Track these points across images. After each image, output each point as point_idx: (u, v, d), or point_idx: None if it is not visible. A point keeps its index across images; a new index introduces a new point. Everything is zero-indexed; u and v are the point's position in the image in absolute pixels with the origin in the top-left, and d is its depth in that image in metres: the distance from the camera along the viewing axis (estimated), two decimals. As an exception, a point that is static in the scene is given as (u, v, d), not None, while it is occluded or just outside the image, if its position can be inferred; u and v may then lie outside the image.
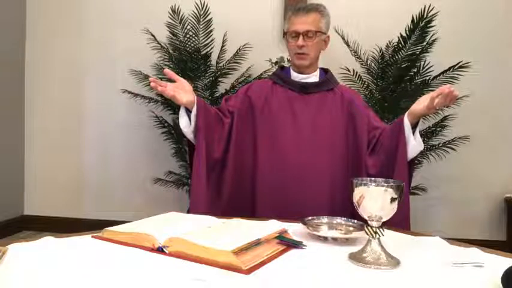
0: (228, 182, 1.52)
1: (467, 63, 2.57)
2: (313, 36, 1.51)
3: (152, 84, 1.35)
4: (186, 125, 1.46)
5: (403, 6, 2.85)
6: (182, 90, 1.41)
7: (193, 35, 2.82)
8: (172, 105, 2.80)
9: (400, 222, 1.24)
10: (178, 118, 1.49)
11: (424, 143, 1.44)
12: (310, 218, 1.15)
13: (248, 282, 0.74)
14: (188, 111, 1.45)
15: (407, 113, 1.39)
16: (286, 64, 2.46)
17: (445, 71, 2.61)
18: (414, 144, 1.39)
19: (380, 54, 2.70)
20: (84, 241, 0.96)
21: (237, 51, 2.90)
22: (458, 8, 2.93)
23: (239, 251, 0.81)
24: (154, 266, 0.81)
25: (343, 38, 2.75)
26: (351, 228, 1.10)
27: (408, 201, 1.40)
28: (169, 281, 0.73)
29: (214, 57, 2.88)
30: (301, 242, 0.97)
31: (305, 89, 1.57)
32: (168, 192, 3.10)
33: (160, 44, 2.90)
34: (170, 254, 0.86)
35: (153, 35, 2.91)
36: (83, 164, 3.30)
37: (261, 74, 2.86)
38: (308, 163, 1.48)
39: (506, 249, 1.04)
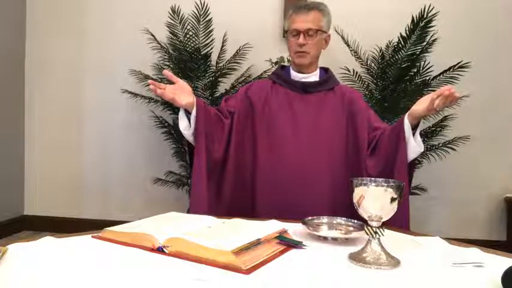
0: (228, 182, 1.51)
1: (467, 63, 2.56)
2: (313, 34, 1.51)
3: (151, 87, 1.34)
4: (185, 127, 1.45)
5: (403, 6, 2.85)
6: (181, 92, 1.40)
7: (193, 35, 2.82)
8: (172, 105, 2.80)
9: (400, 222, 1.24)
10: (178, 119, 1.49)
11: (424, 143, 1.44)
12: (310, 218, 1.15)
13: (248, 282, 0.74)
14: (188, 113, 1.44)
15: (407, 113, 1.39)
16: (286, 64, 2.46)
17: (445, 71, 2.61)
18: (414, 146, 1.38)
19: (380, 54, 2.70)
20: (84, 241, 0.96)
21: (237, 51, 2.90)
22: (458, 8, 2.93)
23: (239, 251, 0.81)
24: (154, 266, 0.81)
25: (343, 38, 2.74)
26: (351, 228, 1.10)
27: (408, 202, 1.40)
28: (169, 281, 0.73)
29: (214, 57, 2.88)
30: (301, 242, 0.97)
31: (305, 88, 1.57)
32: (168, 192, 3.10)
33: (160, 44, 2.90)
34: (170, 254, 0.86)
35: (153, 35, 2.91)
36: (83, 164, 3.30)
37: (261, 74, 2.86)
38: (308, 163, 1.48)
39: (506, 249, 1.04)
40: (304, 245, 0.96)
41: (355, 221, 1.12)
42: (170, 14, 2.82)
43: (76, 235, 1.01)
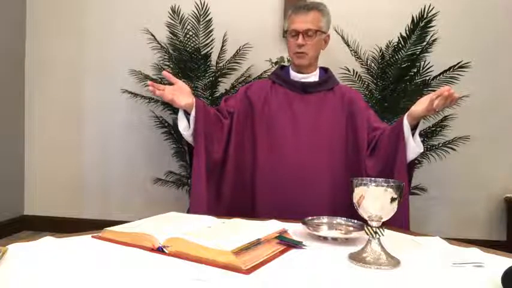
0: (228, 182, 1.51)
1: (467, 63, 2.56)
2: (313, 35, 1.51)
3: (150, 88, 1.34)
4: (185, 127, 1.45)
5: (403, 6, 2.85)
6: (180, 93, 1.40)
7: (193, 35, 2.82)
8: (172, 105, 2.78)
9: (400, 222, 1.24)
10: (178, 119, 1.48)
11: (424, 143, 1.44)
12: (310, 218, 1.15)
13: (248, 282, 0.74)
14: (187, 114, 1.44)
15: (406, 114, 1.38)
16: (286, 64, 2.46)
17: (445, 71, 2.60)
18: (413, 146, 1.38)
19: (380, 54, 2.70)
20: (84, 241, 0.96)
21: (237, 51, 2.90)
22: (458, 8, 2.93)
23: (239, 251, 0.81)
24: (154, 266, 0.81)
25: (343, 38, 2.74)
26: (351, 228, 1.10)
27: (408, 203, 1.40)
28: (169, 281, 0.73)
29: (214, 57, 2.88)
30: (301, 242, 0.97)
31: (305, 88, 1.57)
32: (168, 192, 3.10)
33: (160, 44, 2.90)
34: (170, 254, 0.86)
35: (153, 35, 2.91)
36: (83, 164, 3.30)
37: (261, 74, 2.86)
38: (307, 163, 1.48)
39: (506, 249, 1.04)
40: (304, 245, 0.96)
41: (355, 221, 1.12)
42: (170, 14, 2.82)
43: (76, 235, 1.01)
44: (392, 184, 0.87)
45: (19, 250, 0.85)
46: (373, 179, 0.96)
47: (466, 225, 2.99)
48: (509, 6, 2.93)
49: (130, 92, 3.04)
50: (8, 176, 3.15)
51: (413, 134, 1.38)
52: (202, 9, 2.79)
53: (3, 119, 3.08)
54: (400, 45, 2.60)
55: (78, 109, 3.29)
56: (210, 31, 2.86)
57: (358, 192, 0.89)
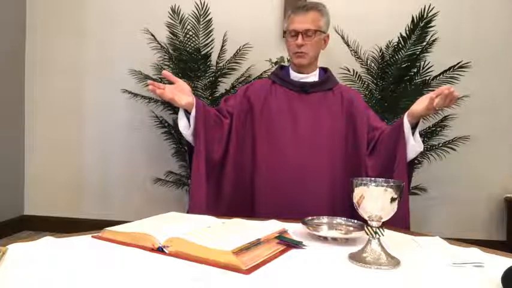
0: (228, 182, 1.51)
1: (467, 63, 2.57)
2: (312, 35, 1.51)
3: (150, 87, 1.34)
4: (185, 127, 1.45)
5: (403, 6, 2.85)
6: (181, 92, 1.40)
7: (193, 35, 2.82)
8: (172, 105, 2.79)
9: (400, 222, 1.24)
10: (178, 119, 1.48)
11: (424, 143, 1.44)
12: (310, 218, 1.15)
13: (248, 282, 0.74)
14: (187, 113, 1.44)
15: (406, 113, 1.38)
16: (286, 64, 2.46)
17: (445, 71, 2.61)
18: (413, 145, 1.38)
19: (380, 54, 2.70)
20: (84, 241, 0.96)
21: (237, 51, 2.90)
22: (458, 8, 2.93)
23: (239, 251, 0.81)
24: (154, 266, 0.81)
25: (343, 38, 2.75)
26: (351, 228, 1.10)
27: (408, 202, 1.40)
28: (169, 281, 0.73)
29: (214, 57, 2.88)
30: (301, 242, 0.97)
31: (304, 88, 1.57)
32: (168, 192, 3.10)
33: (160, 44, 2.90)
34: (170, 254, 0.86)
35: (153, 35, 2.91)
36: (83, 164, 3.30)
37: (261, 74, 2.86)
38: (307, 163, 1.48)
39: (506, 249, 1.04)
40: (304, 245, 0.96)
41: (355, 221, 1.12)
42: (170, 14, 2.82)
43: (76, 235, 1.00)
44: (392, 184, 0.87)
45: (19, 250, 0.85)
46: (373, 179, 0.96)
47: (466, 225, 2.99)
48: (509, 6, 2.93)
49: (130, 92, 3.04)
50: (8, 176, 3.15)
51: (413, 133, 1.38)
52: (202, 9, 2.79)
53: (3, 119, 3.08)
54: (400, 45, 2.60)
55: (78, 109, 3.29)
56: (210, 31, 2.87)
57: (358, 192, 0.88)
